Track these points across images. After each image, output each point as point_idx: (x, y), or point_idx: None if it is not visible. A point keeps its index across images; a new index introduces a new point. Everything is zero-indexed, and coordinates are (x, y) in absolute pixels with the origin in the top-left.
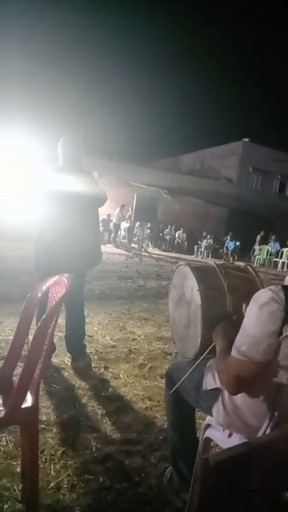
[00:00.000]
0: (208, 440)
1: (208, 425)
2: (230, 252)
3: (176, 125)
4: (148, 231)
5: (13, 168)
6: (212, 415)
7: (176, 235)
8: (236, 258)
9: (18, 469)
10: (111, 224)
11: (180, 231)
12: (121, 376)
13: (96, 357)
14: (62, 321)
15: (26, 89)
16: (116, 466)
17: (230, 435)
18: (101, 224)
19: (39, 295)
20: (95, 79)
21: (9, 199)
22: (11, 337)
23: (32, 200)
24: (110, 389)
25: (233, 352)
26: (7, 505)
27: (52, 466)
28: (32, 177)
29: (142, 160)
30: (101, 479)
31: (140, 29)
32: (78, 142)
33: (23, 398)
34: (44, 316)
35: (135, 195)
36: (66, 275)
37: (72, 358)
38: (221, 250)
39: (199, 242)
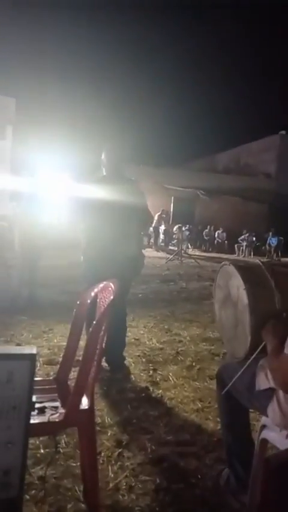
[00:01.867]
0: (265, 441)
1: (264, 426)
2: (273, 249)
3: (209, 124)
4: (187, 232)
5: (58, 177)
6: (267, 416)
7: (216, 235)
8: (279, 254)
9: (78, 471)
10: (151, 228)
11: (220, 231)
12: (170, 378)
13: (144, 359)
14: None
15: (64, 99)
16: (171, 467)
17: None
18: None
19: (88, 301)
20: (124, 85)
21: (55, 209)
22: (62, 343)
23: (76, 209)
24: (160, 391)
25: (286, 350)
26: (70, 505)
27: (110, 467)
28: (76, 187)
29: (177, 163)
30: (158, 480)
31: (166, 30)
32: (122, 150)
33: (79, 401)
34: (94, 322)
35: (172, 198)
36: (112, 281)
37: (110, 369)
38: (263, 248)
39: (240, 241)
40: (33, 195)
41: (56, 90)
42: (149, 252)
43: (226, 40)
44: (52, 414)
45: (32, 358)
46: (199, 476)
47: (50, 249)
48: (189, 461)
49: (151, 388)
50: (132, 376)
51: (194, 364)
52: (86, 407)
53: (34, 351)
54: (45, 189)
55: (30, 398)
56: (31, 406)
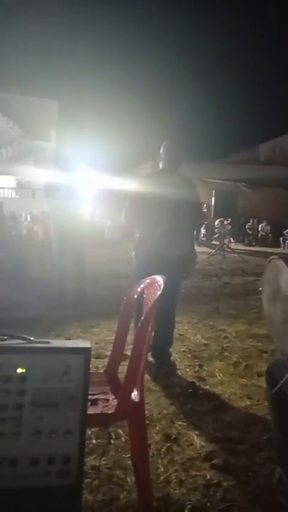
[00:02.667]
0: None
1: None
2: None
3: (250, 115)
4: (229, 226)
5: (98, 174)
6: None
7: (260, 229)
8: None
9: (129, 462)
10: None
11: (264, 224)
12: (216, 374)
13: (189, 355)
14: None
15: (104, 98)
16: (221, 464)
17: None
18: None
19: (135, 297)
20: (161, 81)
21: (97, 207)
22: (109, 338)
23: (128, 206)
24: (207, 387)
25: None
26: (122, 495)
27: (160, 460)
28: (129, 182)
29: (216, 156)
30: (208, 476)
31: (207, 25)
32: (179, 146)
33: (130, 394)
34: (142, 318)
35: (213, 191)
36: (160, 276)
37: (156, 364)
38: None
39: (285, 234)
40: (68, 190)
41: (96, 90)
42: None
43: (264, 29)
44: (104, 406)
45: (87, 351)
46: (250, 474)
47: (89, 247)
48: (239, 459)
49: (198, 384)
50: (178, 371)
51: (240, 360)
52: (137, 400)
53: (89, 345)
54: (82, 185)
55: (87, 390)
56: (87, 397)
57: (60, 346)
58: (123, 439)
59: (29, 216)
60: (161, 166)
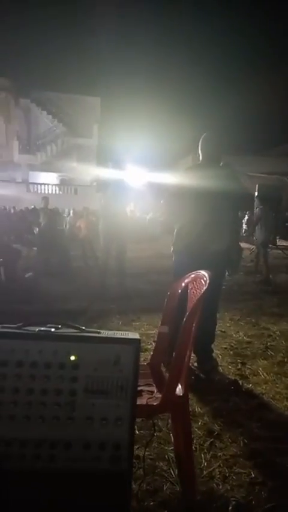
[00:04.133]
0: None
1: None
2: None
3: None
4: None
5: (141, 169)
6: None
7: None
8: None
9: (172, 454)
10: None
11: None
12: (260, 372)
13: (231, 352)
14: None
15: (145, 93)
16: (266, 463)
17: None
18: None
19: (179, 291)
20: (203, 72)
21: (138, 201)
22: (150, 332)
23: (167, 200)
24: (250, 385)
25: None
26: (166, 486)
27: (203, 455)
28: (169, 176)
29: (258, 149)
30: (252, 474)
31: (248, 21)
32: (217, 139)
33: (175, 388)
34: (188, 313)
35: (256, 186)
36: (205, 271)
37: (198, 360)
38: None
39: None
40: (117, 185)
41: (137, 86)
42: None
43: None
44: (149, 398)
45: (136, 343)
46: None
47: (131, 242)
48: (285, 458)
49: (240, 382)
50: (220, 368)
51: (285, 360)
52: (181, 394)
53: (138, 337)
54: (129, 180)
55: (136, 380)
56: (137, 387)
57: (111, 336)
58: (165, 431)
59: (71, 212)
60: (200, 159)
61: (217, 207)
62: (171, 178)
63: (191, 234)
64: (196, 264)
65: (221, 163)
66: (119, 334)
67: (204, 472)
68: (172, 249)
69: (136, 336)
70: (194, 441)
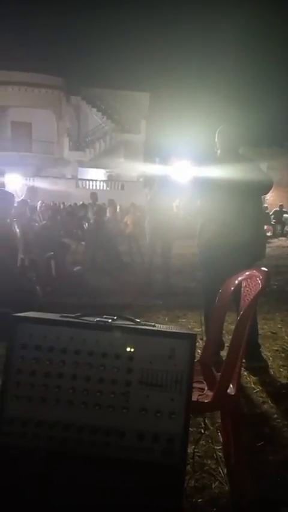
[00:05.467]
0: None
1: None
2: None
3: None
4: None
5: (185, 164)
6: None
7: None
8: None
9: (221, 453)
10: (285, 215)
11: None
12: None
13: (283, 354)
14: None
15: (191, 90)
16: None
17: None
18: (272, 216)
19: (232, 289)
20: (250, 62)
21: (182, 199)
22: (196, 329)
23: (193, 194)
24: None
25: None
26: (215, 485)
27: (253, 458)
28: (192, 170)
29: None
30: None
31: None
32: (235, 130)
33: (227, 386)
34: (242, 312)
35: None
36: (262, 270)
37: (246, 357)
38: None
39: None
40: (164, 180)
41: (184, 82)
42: (282, 242)
43: None
44: (200, 395)
45: (192, 337)
46: None
47: (178, 239)
48: None
49: None
50: (270, 370)
51: None
52: (233, 393)
53: (193, 332)
54: (176, 176)
55: (192, 375)
56: (192, 382)
57: (167, 330)
58: (213, 430)
59: (118, 208)
60: (218, 153)
61: (237, 198)
62: (194, 171)
63: (213, 227)
64: (218, 258)
65: (240, 156)
66: (174, 329)
67: (255, 475)
68: (196, 242)
69: (191, 331)
70: (244, 442)
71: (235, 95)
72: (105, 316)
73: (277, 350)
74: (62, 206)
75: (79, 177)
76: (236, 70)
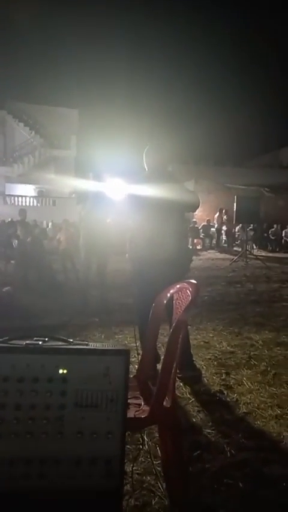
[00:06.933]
0: None
1: None
2: None
3: (271, 119)
4: (251, 232)
5: (117, 180)
6: None
7: (283, 234)
8: None
9: (159, 468)
10: (213, 229)
11: None
12: (244, 382)
13: (215, 362)
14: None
15: (121, 105)
16: (255, 473)
17: None
18: (201, 231)
19: (164, 302)
20: (180, 85)
21: (117, 214)
22: (133, 344)
23: (128, 210)
24: (235, 395)
25: None
26: (154, 501)
27: (191, 468)
28: (124, 186)
29: (238, 161)
30: (241, 485)
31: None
32: (160, 150)
33: (163, 399)
34: (174, 324)
35: (235, 197)
36: (191, 282)
37: (180, 368)
38: None
39: None
40: (98, 196)
41: (114, 99)
42: (211, 254)
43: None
44: (137, 411)
45: (126, 353)
46: (284, 484)
47: (115, 255)
48: (273, 468)
49: (225, 392)
50: (204, 379)
51: (269, 369)
52: (169, 405)
53: (127, 348)
54: (110, 192)
55: (126, 392)
56: (127, 399)
57: (100, 348)
58: (152, 445)
59: (50, 224)
60: (146, 172)
61: (160, 216)
62: (124, 190)
63: (137, 244)
64: (148, 272)
65: (166, 175)
66: (108, 346)
67: (194, 485)
68: (127, 256)
69: (125, 346)
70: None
71: (163, 114)
72: (35, 339)
73: (210, 358)
74: None
75: (7, 193)
76: (165, 88)
